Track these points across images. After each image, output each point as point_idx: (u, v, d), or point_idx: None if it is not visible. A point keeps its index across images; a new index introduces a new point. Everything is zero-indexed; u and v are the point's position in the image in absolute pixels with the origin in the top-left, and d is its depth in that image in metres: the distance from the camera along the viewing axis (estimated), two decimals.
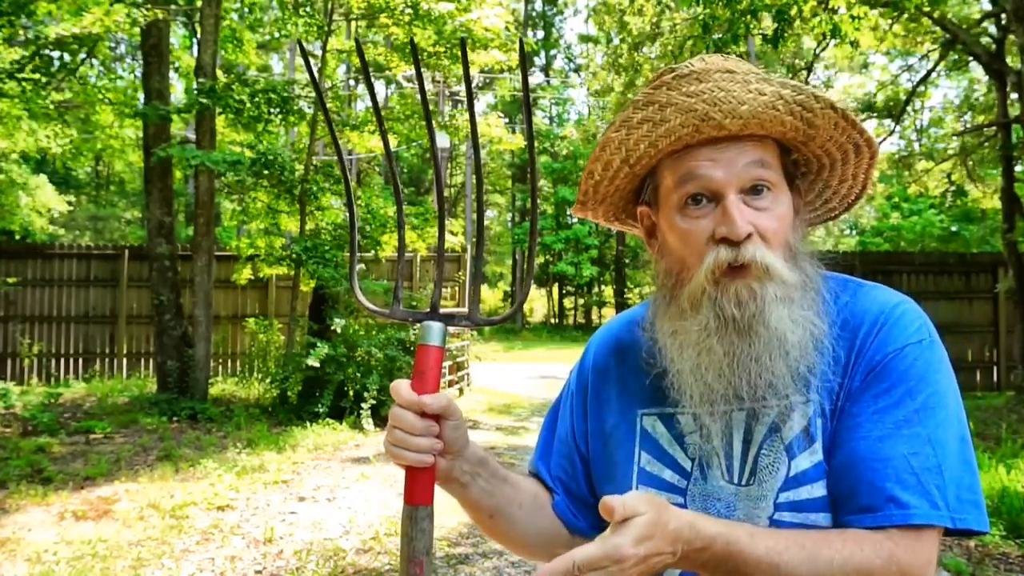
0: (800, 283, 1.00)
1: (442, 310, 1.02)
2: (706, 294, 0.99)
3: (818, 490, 0.97)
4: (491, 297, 36.41)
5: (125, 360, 13.31)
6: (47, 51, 9.30)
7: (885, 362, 0.97)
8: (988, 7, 12.74)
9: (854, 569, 0.89)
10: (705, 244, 0.99)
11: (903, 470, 0.92)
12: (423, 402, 0.97)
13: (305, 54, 1.01)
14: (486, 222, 37.55)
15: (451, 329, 1.02)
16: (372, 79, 1.04)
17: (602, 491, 1.16)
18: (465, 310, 1.06)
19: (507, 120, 27.81)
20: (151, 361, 12.50)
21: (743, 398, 0.99)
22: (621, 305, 31.54)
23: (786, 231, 1.01)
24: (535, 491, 1.20)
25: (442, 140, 15.34)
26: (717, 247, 0.98)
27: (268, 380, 10.47)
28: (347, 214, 11.46)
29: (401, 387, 0.99)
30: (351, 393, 9.23)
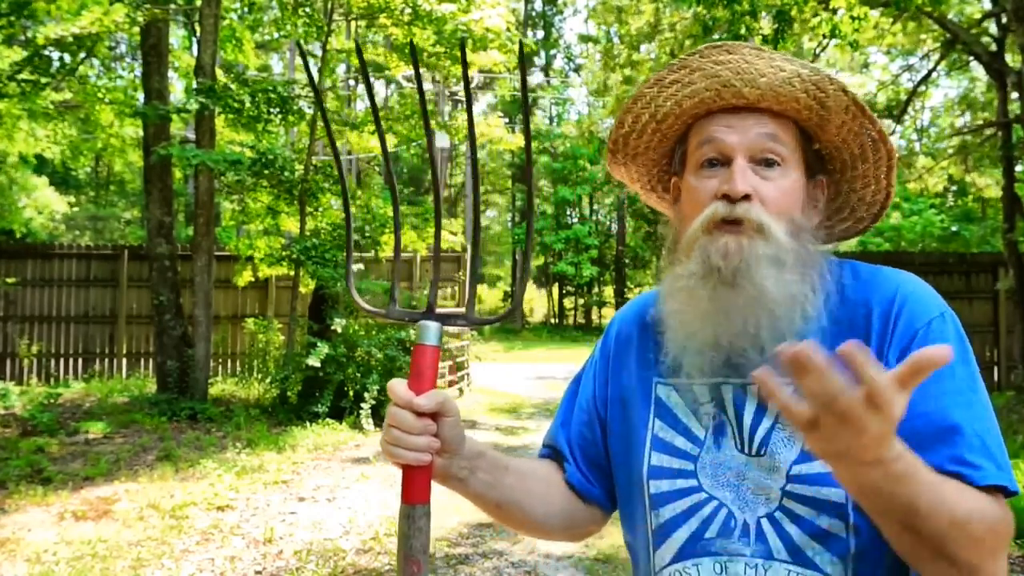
0: (795, 250, 1.03)
1: (439, 310, 1.03)
2: (698, 243, 1.04)
3: None
4: (491, 297, 36.38)
5: (125, 360, 13.30)
6: (47, 51, 9.28)
7: (917, 338, 0.99)
8: (988, 7, 12.73)
9: (989, 516, 0.88)
10: (708, 200, 1.05)
11: (970, 435, 0.93)
12: (419, 401, 0.98)
13: (304, 56, 1.00)
14: (485, 222, 37.55)
15: (452, 329, 1.02)
16: (372, 79, 1.04)
17: (616, 455, 1.19)
18: (462, 310, 1.07)
19: (507, 120, 27.81)
20: (151, 361, 12.48)
21: (725, 348, 1.02)
22: (621, 305, 31.46)
23: (789, 205, 1.05)
24: (544, 474, 1.22)
25: (442, 140, 15.33)
26: (716, 202, 1.04)
27: (268, 380, 10.47)
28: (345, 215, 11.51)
29: (397, 387, 0.99)
30: (351, 393, 9.23)
